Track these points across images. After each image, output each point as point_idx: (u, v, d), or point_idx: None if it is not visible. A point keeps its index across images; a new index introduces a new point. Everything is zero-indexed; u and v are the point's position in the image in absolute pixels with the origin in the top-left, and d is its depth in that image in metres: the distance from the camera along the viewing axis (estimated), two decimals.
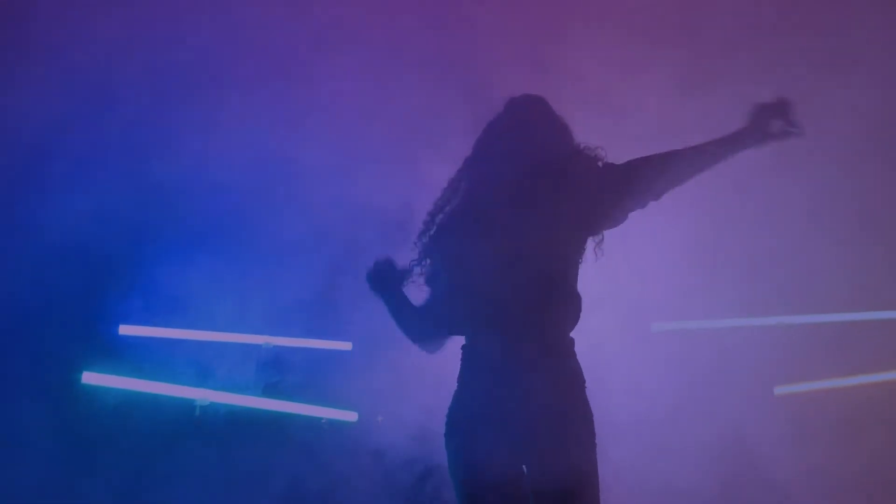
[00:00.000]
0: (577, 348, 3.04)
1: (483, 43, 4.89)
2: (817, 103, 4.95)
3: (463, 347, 3.07)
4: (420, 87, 5.03)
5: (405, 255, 4.77)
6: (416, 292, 3.18)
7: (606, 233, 3.09)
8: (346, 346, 5.24)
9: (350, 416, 5.12)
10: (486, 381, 2.95)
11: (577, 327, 3.06)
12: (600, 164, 3.04)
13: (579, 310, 3.04)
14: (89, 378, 4.86)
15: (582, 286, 3.06)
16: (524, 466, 2.94)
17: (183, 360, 4.98)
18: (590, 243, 3.05)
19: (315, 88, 4.98)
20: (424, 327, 3.15)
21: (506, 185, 3.03)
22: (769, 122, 2.95)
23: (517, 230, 2.96)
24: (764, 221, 5.10)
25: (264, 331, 5.17)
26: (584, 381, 3.01)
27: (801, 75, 4.88)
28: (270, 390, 5.13)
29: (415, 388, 4.91)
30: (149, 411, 4.87)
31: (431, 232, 3.15)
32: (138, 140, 4.90)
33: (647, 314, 5.16)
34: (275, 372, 5.16)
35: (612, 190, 2.99)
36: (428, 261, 3.14)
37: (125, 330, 4.99)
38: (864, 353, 5.21)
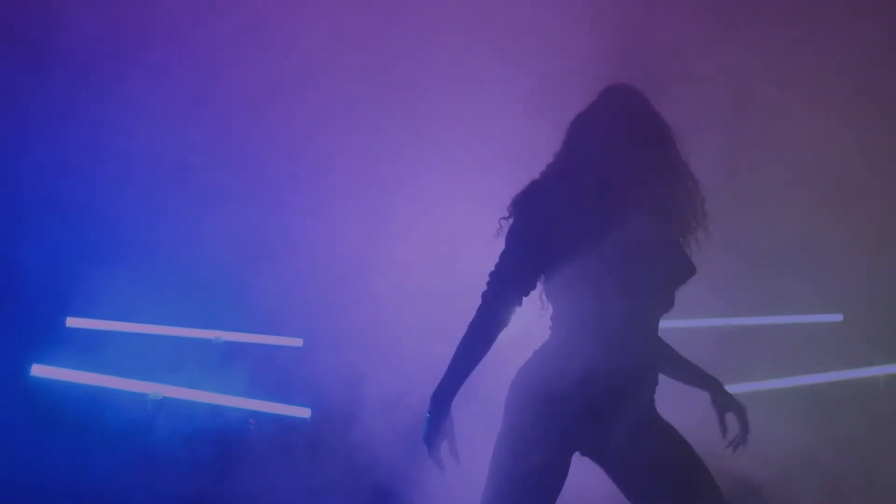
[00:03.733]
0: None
1: None
2: None
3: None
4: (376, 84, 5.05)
5: (366, 248, 4.85)
6: None
7: None
8: (297, 342, 5.22)
9: (303, 413, 5.11)
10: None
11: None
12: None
13: None
14: (38, 371, 4.78)
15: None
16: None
17: (135, 353, 4.91)
18: None
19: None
20: None
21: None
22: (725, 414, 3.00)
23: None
24: (714, 224, 5.17)
25: (215, 326, 5.13)
26: None
27: None
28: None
29: (368, 383, 4.93)
30: (99, 405, 4.80)
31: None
32: (92, 128, 4.84)
33: None
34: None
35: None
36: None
37: (73, 322, 4.91)
38: (808, 354, 5.35)
